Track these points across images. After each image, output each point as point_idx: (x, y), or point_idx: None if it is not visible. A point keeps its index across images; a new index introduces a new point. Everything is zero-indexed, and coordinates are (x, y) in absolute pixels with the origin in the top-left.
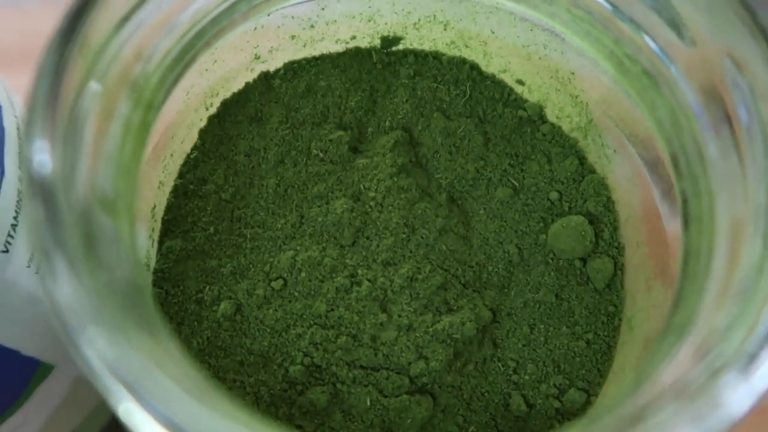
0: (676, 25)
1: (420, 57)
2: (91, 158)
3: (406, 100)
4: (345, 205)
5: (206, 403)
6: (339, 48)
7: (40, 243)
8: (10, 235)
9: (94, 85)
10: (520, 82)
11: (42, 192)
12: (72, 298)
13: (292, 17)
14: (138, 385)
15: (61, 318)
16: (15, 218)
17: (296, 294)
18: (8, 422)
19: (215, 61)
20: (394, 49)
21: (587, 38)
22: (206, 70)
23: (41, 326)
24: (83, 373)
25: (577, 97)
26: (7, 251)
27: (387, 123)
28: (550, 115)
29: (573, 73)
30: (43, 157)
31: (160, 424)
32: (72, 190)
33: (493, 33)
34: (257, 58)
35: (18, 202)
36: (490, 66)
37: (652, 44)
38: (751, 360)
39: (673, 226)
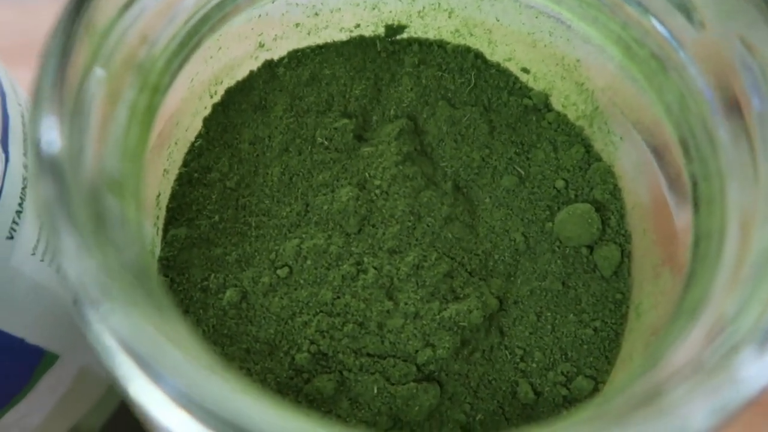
0: (684, 8)
1: (424, 45)
2: (98, 140)
3: (411, 89)
4: (350, 193)
5: (221, 378)
6: (343, 36)
7: (50, 221)
8: (15, 222)
9: (100, 67)
10: (525, 71)
11: (52, 170)
12: (84, 274)
13: (297, 5)
14: (152, 360)
15: (74, 295)
16: (20, 205)
17: (302, 282)
18: (12, 412)
19: (219, 48)
20: (398, 37)
21: (594, 24)
22: (210, 57)
23: (46, 315)
24: (94, 353)
25: (582, 84)
26: (12, 238)
27: (392, 111)
28: (556, 103)
29: (578, 61)
30: (52, 135)
31: (174, 402)
32: (80, 170)
33: (498, 21)
34: (261, 46)
35: (23, 189)
36: (495, 54)
37: (660, 28)
38: (767, 336)
39: (680, 212)
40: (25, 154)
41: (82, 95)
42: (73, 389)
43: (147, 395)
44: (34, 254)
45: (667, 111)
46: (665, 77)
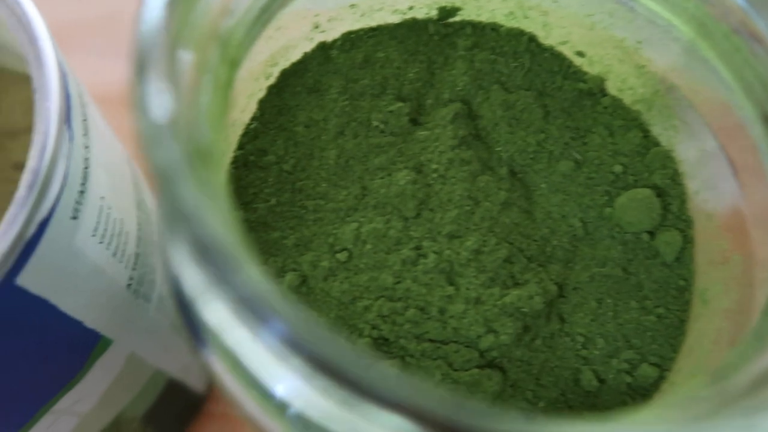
0: None
1: (478, 28)
2: (189, 108)
3: (465, 72)
4: (407, 177)
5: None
6: (396, 18)
7: (171, 185)
8: (78, 202)
9: (188, 36)
10: (581, 54)
11: (170, 134)
12: (216, 235)
13: None
14: (290, 316)
15: (213, 262)
16: (82, 185)
17: (362, 266)
18: (67, 396)
19: (279, 28)
20: (451, 20)
21: (663, 3)
22: (270, 37)
23: (103, 298)
24: (197, 318)
25: (643, 67)
26: (76, 218)
27: (445, 95)
28: (612, 88)
29: (640, 43)
30: (165, 100)
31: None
32: (182, 138)
33: (555, 2)
34: (316, 27)
35: (84, 169)
36: (550, 37)
37: (741, 3)
38: None
39: (748, 196)
40: (85, 134)
41: (175, 63)
42: (121, 376)
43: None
44: (94, 236)
45: (746, 89)
46: (745, 54)
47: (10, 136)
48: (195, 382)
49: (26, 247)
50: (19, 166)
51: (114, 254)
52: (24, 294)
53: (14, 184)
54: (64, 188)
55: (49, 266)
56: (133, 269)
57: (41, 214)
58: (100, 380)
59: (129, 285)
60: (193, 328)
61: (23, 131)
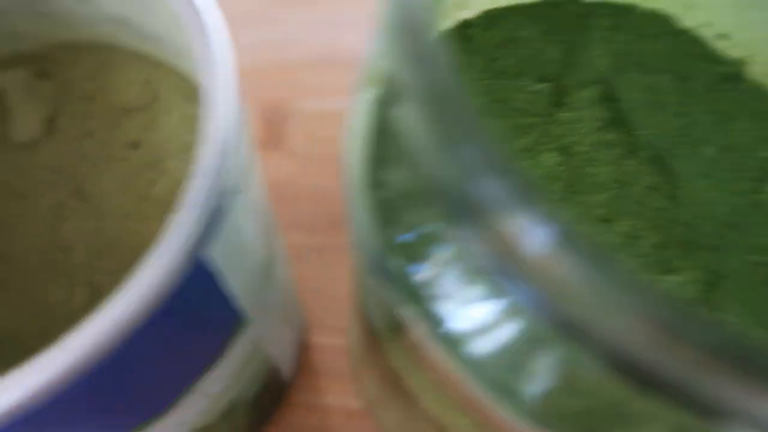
0: None
1: (615, 9)
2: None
3: (603, 54)
4: (554, 159)
5: None
6: None
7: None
8: (241, 177)
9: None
10: (723, 37)
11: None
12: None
13: None
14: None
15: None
16: (243, 160)
17: None
18: (208, 376)
19: None
20: (588, 0)
21: None
22: None
23: (249, 276)
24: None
25: None
26: (242, 192)
27: (584, 77)
28: (757, 72)
29: None
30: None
31: None
32: None
33: None
34: (459, 5)
35: (244, 145)
36: (690, 19)
37: None
38: None
39: None
40: (239, 111)
41: None
42: (247, 359)
43: None
44: (249, 212)
45: None
46: None
47: (125, 113)
48: (287, 370)
49: (211, 220)
50: (133, 145)
51: (260, 232)
52: (203, 269)
53: (127, 162)
54: (236, 162)
55: (223, 241)
56: (267, 249)
57: (224, 186)
58: (233, 362)
59: (264, 265)
60: (398, 291)
61: (138, 109)
